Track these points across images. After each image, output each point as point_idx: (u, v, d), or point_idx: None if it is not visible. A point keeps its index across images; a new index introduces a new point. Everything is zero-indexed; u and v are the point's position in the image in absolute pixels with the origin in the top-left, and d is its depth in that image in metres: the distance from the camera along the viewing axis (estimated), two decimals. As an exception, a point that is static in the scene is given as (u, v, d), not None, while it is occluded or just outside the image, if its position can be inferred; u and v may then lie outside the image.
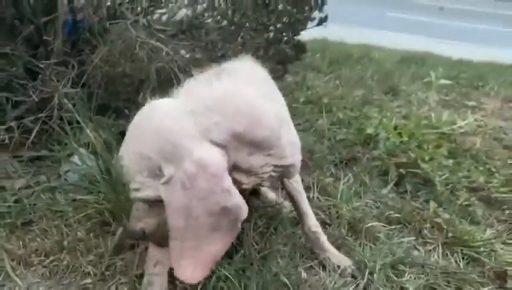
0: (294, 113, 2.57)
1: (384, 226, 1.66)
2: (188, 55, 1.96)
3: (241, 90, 1.11)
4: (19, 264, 1.31)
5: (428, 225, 1.70)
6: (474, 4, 13.72)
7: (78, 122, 1.84)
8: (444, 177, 2.02)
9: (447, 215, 1.74)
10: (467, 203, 1.85)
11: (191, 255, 1.03)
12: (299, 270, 1.35)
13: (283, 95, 1.38)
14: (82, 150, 1.81)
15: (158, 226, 1.08)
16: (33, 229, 1.46)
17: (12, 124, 1.83)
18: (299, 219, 1.50)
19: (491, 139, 2.71)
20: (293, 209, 1.58)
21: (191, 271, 1.04)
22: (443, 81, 2.48)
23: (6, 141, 1.79)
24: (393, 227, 1.67)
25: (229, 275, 1.26)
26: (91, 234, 1.42)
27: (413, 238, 1.61)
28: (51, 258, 1.33)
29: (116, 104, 2.17)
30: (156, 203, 1.05)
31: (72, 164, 1.78)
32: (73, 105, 1.91)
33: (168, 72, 2.03)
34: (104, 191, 1.55)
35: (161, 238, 1.08)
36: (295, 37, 2.57)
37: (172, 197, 1.01)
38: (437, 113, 2.79)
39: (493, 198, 1.93)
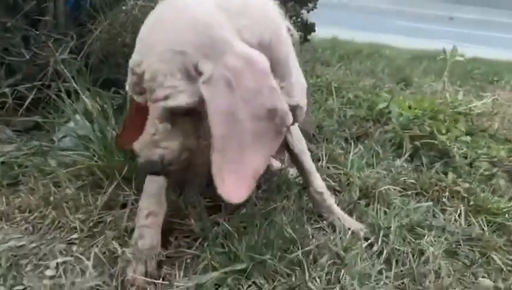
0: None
1: (399, 192, 1.52)
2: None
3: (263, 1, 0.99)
4: (1, 219, 1.20)
5: (447, 194, 1.57)
6: (484, 13, 13.61)
7: (76, 91, 1.75)
8: (462, 151, 1.88)
9: (467, 185, 1.60)
10: (488, 173, 1.71)
11: (234, 169, 0.87)
12: (306, 227, 1.22)
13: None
14: (78, 117, 1.72)
15: (180, 150, 0.92)
16: (20, 189, 1.36)
17: (6, 90, 1.75)
18: (304, 181, 1.39)
19: (510, 123, 2.57)
20: (298, 175, 1.46)
21: (234, 188, 0.88)
22: (458, 58, 2.35)
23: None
24: (409, 193, 1.54)
25: (230, 229, 1.14)
26: (81, 193, 1.31)
27: (431, 203, 1.48)
28: (35, 214, 1.23)
29: (116, 76, 2.08)
30: (181, 119, 0.90)
31: (67, 129, 1.69)
32: (71, 74, 1.83)
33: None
34: (97, 150, 1.45)
35: (184, 165, 0.94)
36: (303, 16, 2.48)
37: (215, 98, 0.83)
38: (452, 95, 2.66)
39: (517, 171, 1.80)
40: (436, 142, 1.83)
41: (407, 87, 3.48)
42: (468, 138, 2.02)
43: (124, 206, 1.27)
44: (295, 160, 1.38)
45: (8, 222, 1.20)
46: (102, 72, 2.08)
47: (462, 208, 1.48)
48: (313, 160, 1.47)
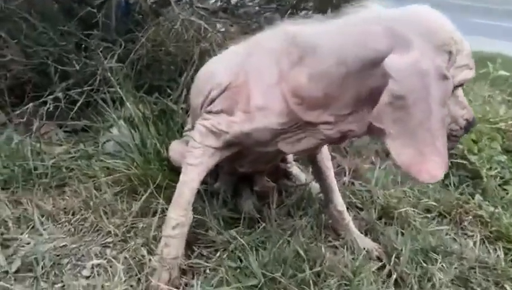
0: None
1: (420, 214, 1.56)
2: (223, 29, 1.97)
3: None
4: (48, 220, 1.36)
5: (470, 217, 1.58)
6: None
7: (121, 98, 1.90)
8: (494, 171, 1.87)
9: (492, 209, 1.60)
10: (516, 196, 1.70)
11: (433, 151, 0.94)
12: (320, 246, 1.30)
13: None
14: (121, 123, 1.87)
15: None
16: (65, 190, 1.51)
17: (59, 94, 1.92)
18: (324, 197, 1.45)
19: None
20: (320, 191, 1.53)
21: (435, 169, 0.94)
22: (502, 72, 2.29)
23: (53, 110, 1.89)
24: (429, 215, 1.57)
25: (246, 245, 1.23)
26: (118, 198, 1.45)
27: (451, 226, 1.50)
28: (77, 216, 1.37)
29: (159, 83, 2.22)
30: None
31: (110, 135, 1.84)
32: (118, 81, 1.98)
33: (209, 52, 2.04)
34: (136, 159, 1.58)
35: None
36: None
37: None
38: (494, 108, 2.60)
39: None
40: (466, 163, 1.83)
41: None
42: (504, 157, 2.00)
43: (155, 213, 1.40)
44: (319, 176, 1.45)
45: (54, 223, 1.36)
46: (146, 78, 2.22)
47: (482, 233, 1.50)
48: (339, 174, 1.53)
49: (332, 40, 1.06)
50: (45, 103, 1.87)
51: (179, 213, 1.20)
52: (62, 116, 1.94)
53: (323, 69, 1.04)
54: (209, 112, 1.25)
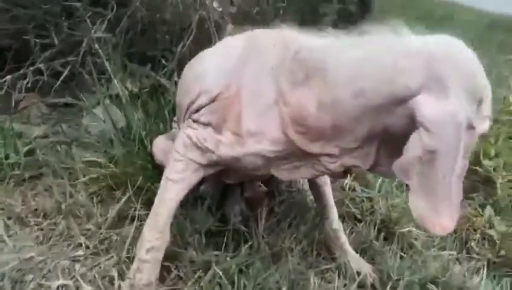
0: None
1: (423, 233, 1.43)
2: (220, 9, 1.76)
3: None
4: (15, 223, 1.25)
5: (478, 236, 1.45)
6: None
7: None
8: (509, 178, 1.72)
9: (503, 228, 1.47)
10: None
11: (448, 203, 0.83)
12: (309, 276, 1.18)
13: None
14: (107, 102, 1.72)
15: None
16: (38, 185, 1.39)
17: (41, 66, 1.75)
18: (320, 212, 1.32)
19: None
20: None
21: (449, 222, 0.83)
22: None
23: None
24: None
25: (229, 271, 1.12)
26: (94, 199, 1.33)
27: (455, 253, 1.37)
28: (48, 221, 1.26)
29: (154, 53, 2.04)
30: None
31: (94, 117, 1.69)
32: (107, 51, 1.80)
33: (206, 24, 1.85)
34: (117, 153, 1.45)
35: None
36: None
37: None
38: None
39: None
40: (480, 169, 1.68)
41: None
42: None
43: (133, 219, 1.28)
44: (315, 191, 1.32)
45: (22, 226, 1.25)
46: (139, 47, 2.04)
47: (490, 258, 1.38)
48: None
49: (349, 63, 0.89)
50: (25, 74, 1.72)
51: (154, 235, 1.08)
52: (45, 89, 1.79)
53: (337, 98, 0.88)
54: (196, 121, 1.10)
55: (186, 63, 1.29)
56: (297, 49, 0.97)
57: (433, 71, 0.80)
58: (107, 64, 1.72)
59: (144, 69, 1.98)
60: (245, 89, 1.02)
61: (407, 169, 0.82)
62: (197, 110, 1.10)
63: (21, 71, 1.71)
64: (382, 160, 0.93)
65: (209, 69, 1.12)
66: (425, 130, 0.78)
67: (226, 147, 1.01)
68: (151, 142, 1.42)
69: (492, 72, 2.84)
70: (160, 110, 1.72)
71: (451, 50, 0.83)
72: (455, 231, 1.47)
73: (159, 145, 1.36)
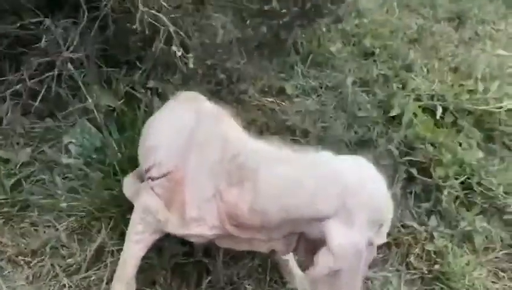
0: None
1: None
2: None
3: None
4: (7, 263, 1.45)
5: (417, 251, 1.64)
6: None
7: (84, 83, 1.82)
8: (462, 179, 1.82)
9: (441, 243, 1.64)
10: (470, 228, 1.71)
11: None
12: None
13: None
14: (84, 122, 1.84)
15: None
16: (28, 217, 1.57)
17: (18, 87, 1.84)
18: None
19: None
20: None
21: None
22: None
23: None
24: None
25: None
26: (74, 235, 1.52)
27: (390, 274, 1.57)
28: (37, 259, 1.45)
29: (127, 57, 2.09)
30: None
31: (74, 135, 1.82)
32: (81, 65, 1.88)
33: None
34: (93, 184, 1.61)
35: None
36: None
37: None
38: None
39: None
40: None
41: (459, 26, 3.15)
42: (480, 155, 1.94)
43: (112, 254, 1.48)
44: None
45: (15, 265, 1.45)
46: (114, 50, 2.08)
47: (424, 272, 1.58)
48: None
49: (278, 180, 1.06)
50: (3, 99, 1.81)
51: (122, 287, 1.29)
52: (26, 107, 1.89)
53: (264, 208, 1.05)
54: (151, 188, 1.25)
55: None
56: (235, 154, 1.09)
57: (345, 203, 0.98)
58: (80, 83, 1.81)
59: (119, 73, 2.05)
60: (188, 177, 1.15)
61: (316, 281, 1.00)
62: (152, 179, 1.25)
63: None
64: (301, 248, 1.12)
65: (162, 144, 1.25)
66: (331, 255, 0.95)
67: (173, 225, 1.18)
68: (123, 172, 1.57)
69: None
70: (135, 122, 1.84)
71: (363, 183, 0.99)
72: (397, 245, 1.65)
73: (129, 185, 1.50)
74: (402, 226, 1.71)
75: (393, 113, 2.06)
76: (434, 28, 3.01)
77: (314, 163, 1.05)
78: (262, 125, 2.01)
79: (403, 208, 1.77)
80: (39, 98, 1.82)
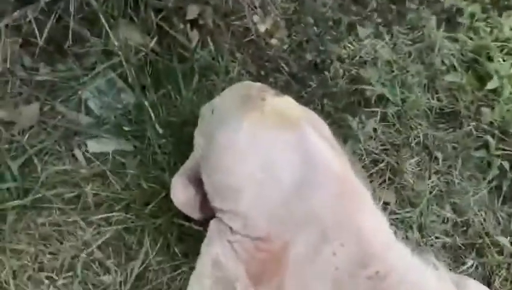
0: None
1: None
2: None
3: None
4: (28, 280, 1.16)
5: (503, 273, 1.42)
6: None
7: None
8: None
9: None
10: None
11: None
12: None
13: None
14: (110, 75, 1.38)
15: None
16: (46, 209, 1.23)
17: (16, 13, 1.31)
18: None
19: None
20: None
21: None
22: None
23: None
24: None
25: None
26: (110, 249, 1.20)
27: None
28: (61, 280, 1.16)
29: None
30: None
31: (94, 91, 1.39)
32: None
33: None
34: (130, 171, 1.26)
35: None
36: None
37: None
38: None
39: None
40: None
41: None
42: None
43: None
44: None
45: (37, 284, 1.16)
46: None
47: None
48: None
49: None
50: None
51: None
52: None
53: None
54: (229, 241, 0.94)
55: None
56: (382, 272, 0.75)
57: None
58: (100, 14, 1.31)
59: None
60: (290, 266, 0.83)
61: None
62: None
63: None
64: None
65: (247, 189, 0.90)
66: None
67: None
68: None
69: None
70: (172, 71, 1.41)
71: None
72: (480, 264, 1.42)
73: (178, 193, 1.15)
74: (486, 234, 1.45)
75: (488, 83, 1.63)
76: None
77: None
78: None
79: (487, 211, 1.49)
80: (44, 33, 1.32)
